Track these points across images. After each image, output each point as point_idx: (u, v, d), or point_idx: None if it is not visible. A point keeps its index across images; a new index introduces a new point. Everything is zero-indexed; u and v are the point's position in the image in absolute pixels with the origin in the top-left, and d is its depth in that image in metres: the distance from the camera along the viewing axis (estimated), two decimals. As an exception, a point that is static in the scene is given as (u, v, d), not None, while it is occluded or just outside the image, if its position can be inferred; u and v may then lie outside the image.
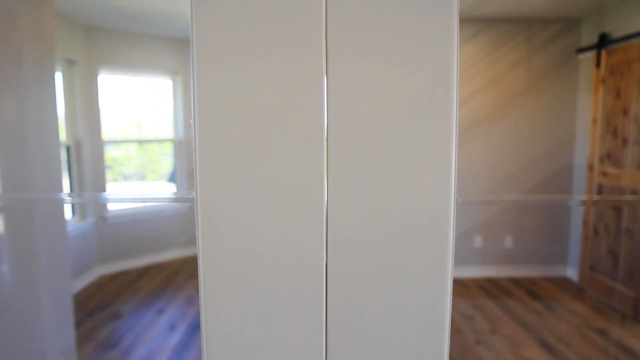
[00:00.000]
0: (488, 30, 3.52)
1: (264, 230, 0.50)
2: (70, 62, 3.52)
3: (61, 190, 1.76)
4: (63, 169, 3.53)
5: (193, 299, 3.24)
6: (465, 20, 3.47)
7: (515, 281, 3.55)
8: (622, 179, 3.01)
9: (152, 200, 0.61)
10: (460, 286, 3.43)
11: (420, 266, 0.51)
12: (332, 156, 0.49)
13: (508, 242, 3.70)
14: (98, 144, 3.77)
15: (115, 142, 4.22)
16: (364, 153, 0.49)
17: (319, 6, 0.48)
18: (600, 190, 3.20)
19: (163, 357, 2.50)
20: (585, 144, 3.43)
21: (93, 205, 3.72)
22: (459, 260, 3.47)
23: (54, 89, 1.73)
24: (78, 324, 2.83)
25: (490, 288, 3.42)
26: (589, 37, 3.40)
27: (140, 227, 3.98)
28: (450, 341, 0.53)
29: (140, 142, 4.42)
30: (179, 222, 4.21)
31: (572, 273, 3.61)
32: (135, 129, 4.41)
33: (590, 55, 3.33)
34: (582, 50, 3.43)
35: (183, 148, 4.33)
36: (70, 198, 0.73)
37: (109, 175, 4.18)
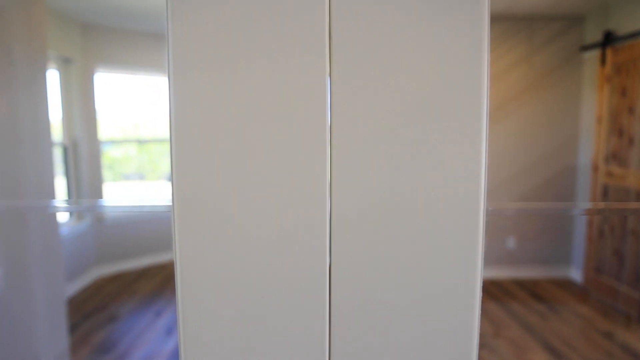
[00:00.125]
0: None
1: (256, 250, 0.46)
2: (66, 61, 3.48)
3: (54, 194, 1.72)
4: (60, 170, 3.49)
5: (191, 301, 3.20)
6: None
7: (519, 283, 3.50)
8: (628, 179, 2.96)
9: (130, 209, 0.59)
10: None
11: (446, 294, 0.47)
12: (337, 161, 0.45)
13: (511, 242, 3.65)
14: (95, 144, 3.73)
15: (113, 142, 4.18)
16: (375, 158, 0.45)
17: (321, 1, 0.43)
18: (605, 191, 3.15)
19: (160, 361, 2.46)
20: (589, 144, 3.38)
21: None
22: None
23: (46, 89, 1.69)
24: (75, 327, 2.79)
25: (493, 290, 3.37)
26: (593, 34, 3.34)
27: (138, 228, 3.94)
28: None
29: (139, 142, 4.38)
30: (178, 222, 4.16)
31: (575, 274, 3.56)
32: (134, 128, 4.38)
33: (595, 53, 3.28)
34: (586, 48, 3.37)
35: (182, 148, 4.27)
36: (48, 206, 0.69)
37: (109, 175, 4.14)
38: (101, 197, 3.81)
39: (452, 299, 0.47)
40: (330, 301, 0.47)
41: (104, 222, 3.77)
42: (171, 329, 2.77)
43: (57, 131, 3.45)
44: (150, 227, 3.98)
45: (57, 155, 3.47)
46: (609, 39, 3.12)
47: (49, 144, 1.74)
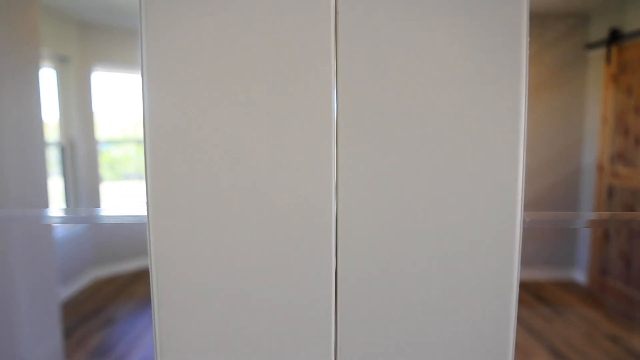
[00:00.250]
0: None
1: (246, 263, 0.41)
2: (63, 60, 3.44)
3: (46, 197, 1.67)
4: (57, 171, 3.45)
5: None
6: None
7: (521, 284, 3.44)
8: (635, 179, 2.91)
9: (105, 220, 0.57)
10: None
11: (480, 324, 0.42)
12: (343, 158, 0.40)
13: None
14: (93, 144, 3.69)
15: (113, 142, 4.14)
16: (394, 158, 0.41)
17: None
18: (610, 192, 3.10)
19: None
20: (594, 144, 3.33)
21: (88, 206, 3.64)
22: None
23: (39, 88, 1.64)
24: (71, 330, 2.74)
25: (496, 292, 3.32)
26: (598, 32, 3.29)
27: (135, 229, 3.89)
28: None
29: (139, 141, 4.34)
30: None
31: (580, 276, 3.51)
32: (134, 128, 4.33)
33: (600, 51, 3.22)
34: (591, 46, 3.32)
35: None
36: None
37: (109, 175, 4.10)
38: (99, 198, 3.77)
39: (486, 333, 0.43)
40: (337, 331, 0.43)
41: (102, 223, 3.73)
42: (169, 332, 2.73)
43: (54, 131, 3.41)
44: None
45: (54, 155, 3.43)
46: (614, 37, 3.07)
47: (42, 144, 1.69)
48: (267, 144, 0.41)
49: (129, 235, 3.83)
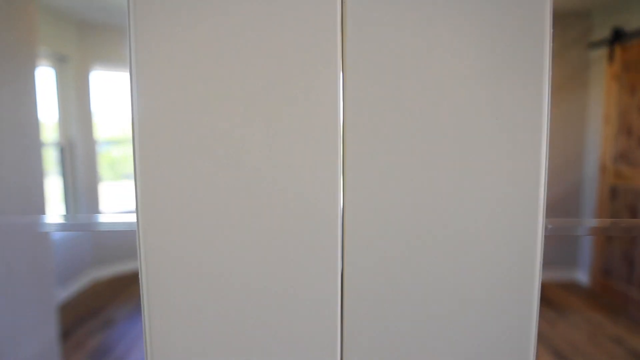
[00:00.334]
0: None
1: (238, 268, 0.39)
2: (62, 59, 3.41)
3: (43, 202, 1.65)
4: (56, 171, 3.43)
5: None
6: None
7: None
8: (638, 179, 2.88)
9: (101, 227, 0.56)
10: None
11: (502, 342, 0.41)
12: (351, 160, 0.38)
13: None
14: (92, 144, 3.67)
15: (112, 142, 4.12)
16: (407, 159, 0.39)
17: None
18: (614, 193, 3.07)
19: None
20: (596, 144, 3.30)
21: (87, 206, 3.62)
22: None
23: (35, 87, 1.62)
24: (69, 332, 2.72)
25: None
26: (601, 32, 3.26)
27: (134, 230, 3.87)
28: None
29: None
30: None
31: (582, 277, 3.49)
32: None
33: (603, 50, 3.20)
34: (594, 44, 3.29)
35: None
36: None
37: (109, 174, 4.08)
38: (98, 198, 3.75)
39: (506, 344, 0.41)
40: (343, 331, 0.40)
41: (101, 223, 3.70)
42: (168, 334, 2.71)
43: (53, 131, 3.39)
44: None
45: (53, 156, 3.40)
46: (617, 36, 3.04)
47: (38, 145, 1.67)
48: (267, 144, 0.39)
49: (129, 236, 3.81)
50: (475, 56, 0.38)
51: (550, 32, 0.39)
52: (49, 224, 0.61)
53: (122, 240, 3.78)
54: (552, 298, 3.21)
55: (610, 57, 3.10)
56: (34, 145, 1.63)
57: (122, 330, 2.80)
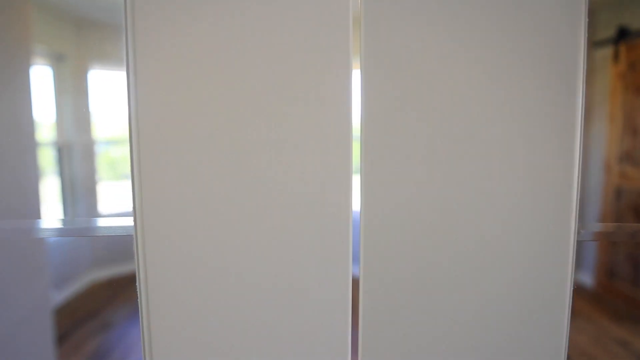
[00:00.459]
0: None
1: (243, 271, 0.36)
2: (60, 58, 3.37)
3: (38, 206, 1.61)
4: (54, 172, 3.39)
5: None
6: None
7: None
8: (644, 180, 2.85)
9: (92, 233, 0.55)
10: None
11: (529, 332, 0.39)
12: (369, 161, 0.36)
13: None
14: (90, 144, 3.63)
15: (111, 142, 4.08)
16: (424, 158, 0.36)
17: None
18: (619, 194, 3.04)
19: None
20: (601, 144, 3.27)
21: (85, 207, 3.59)
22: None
23: (29, 86, 1.58)
24: (67, 335, 2.69)
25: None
26: (605, 30, 3.23)
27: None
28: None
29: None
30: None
31: (585, 278, 3.45)
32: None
33: (608, 49, 3.16)
34: (598, 44, 3.26)
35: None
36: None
37: (110, 174, 4.05)
38: (96, 199, 3.71)
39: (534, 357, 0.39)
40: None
41: (99, 224, 3.67)
42: (167, 337, 2.67)
43: (50, 131, 3.35)
44: (146, 229, 3.87)
45: (51, 156, 3.37)
46: (622, 35, 3.01)
47: (33, 145, 1.63)
48: (274, 145, 0.37)
49: (128, 237, 3.77)
50: (502, 55, 0.36)
51: (585, 27, 0.36)
52: (45, 230, 0.59)
53: (121, 241, 3.74)
54: (555, 300, 3.18)
55: (615, 56, 3.06)
56: (30, 146, 1.59)
57: (120, 332, 2.77)
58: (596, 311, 3.02)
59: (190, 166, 0.37)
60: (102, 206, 3.81)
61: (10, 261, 1.52)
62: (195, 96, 0.36)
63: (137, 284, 0.41)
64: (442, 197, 0.37)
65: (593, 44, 3.30)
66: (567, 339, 0.41)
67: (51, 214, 3.35)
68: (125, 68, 0.35)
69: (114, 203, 4.04)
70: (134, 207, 0.39)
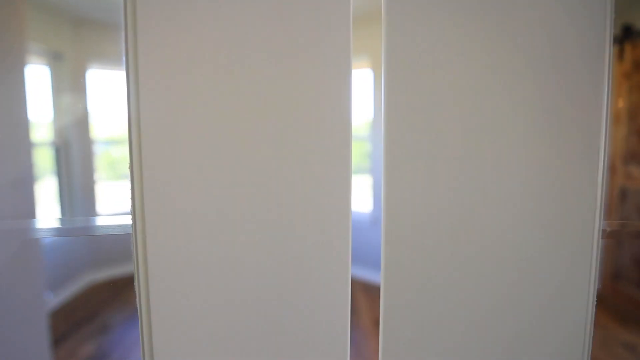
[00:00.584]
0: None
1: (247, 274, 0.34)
2: (57, 57, 3.34)
3: (33, 206, 1.58)
4: (51, 171, 3.36)
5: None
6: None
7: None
8: (650, 181, 2.82)
9: (88, 233, 0.53)
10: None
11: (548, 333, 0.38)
12: (390, 160, 0.35)
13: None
14: (88, 144, 3.60)
15: (109, 141, 4.05)
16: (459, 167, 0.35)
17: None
18: (623, 194, 3.01)
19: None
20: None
21: (83, 207, 3.56)
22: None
23: (24, 85, 1.54)
24: (64, 337, 2.66)
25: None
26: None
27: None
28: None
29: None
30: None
31: (590, 280, 3.43)
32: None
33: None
34: (603, 43, 3.23)
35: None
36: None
37: (110, 174, 4.03)
38: (95, 199, 3.69)
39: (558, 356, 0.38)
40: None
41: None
42: (166, 340, 2.65)
43: (48, 131, 3.32)
44: (145, 230, 3.85)
45: (48, 156, 3.34)
46: (627, 34, 2.98)
47: (28, 145, 1.60)
48: (275, 145, 0.36)
49: (126, 238, 3.75)
50: (526, 53, 0.35)
51: (611, 25, 0.37)
52: (41, 230, 0.58)
53: (120, 242, 3.72)
54: (559, 302, 3.16)
55: (620, 55, 3.04)
56: (24, 145, 1.56)
57: (118, 335, 2.74)
58: (602, 314, 3.00)
59: (190, 166, 0.36)
60: (101, 206, 3.78)
61: (5, 262, 1.49)
62: (195, 96, 0.35)
63: (135, 283, 0.41)
64: (465, 197, 0.37)
65: (597, 43, 3.27)
66: (591, 340, 0.42)
67: (49, 214, 3.32)
68: (124, 67, 0.34)
69: (113, 203, 4.01)
70: (133, 206, 0.39)
